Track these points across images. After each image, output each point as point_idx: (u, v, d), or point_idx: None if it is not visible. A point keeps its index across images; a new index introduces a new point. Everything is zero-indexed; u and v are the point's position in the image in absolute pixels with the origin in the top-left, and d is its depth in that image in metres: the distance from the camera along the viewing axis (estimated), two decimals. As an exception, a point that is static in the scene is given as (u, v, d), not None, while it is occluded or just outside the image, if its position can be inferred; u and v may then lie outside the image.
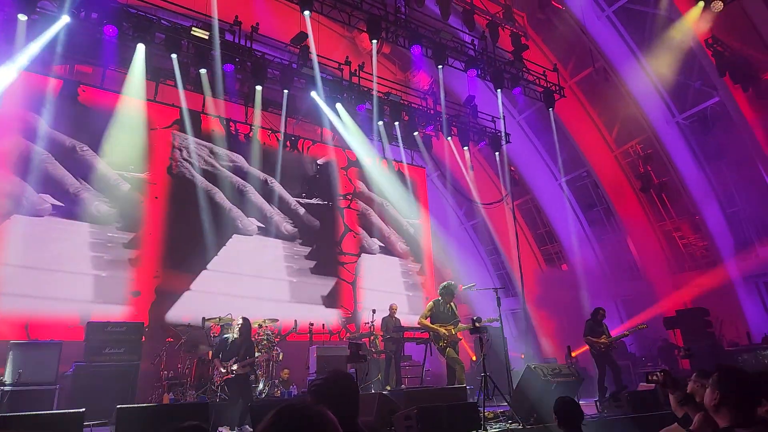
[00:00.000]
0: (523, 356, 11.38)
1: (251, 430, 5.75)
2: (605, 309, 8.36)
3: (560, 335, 12.84)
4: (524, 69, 10.85)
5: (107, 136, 9.19)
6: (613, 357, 7.96)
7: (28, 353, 6.60)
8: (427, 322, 7.03)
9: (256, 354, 7.07)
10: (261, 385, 7.66)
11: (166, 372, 7.60)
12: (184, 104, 9.87)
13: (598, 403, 6.90)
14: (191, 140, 10.26)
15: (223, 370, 6.34)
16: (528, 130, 13.75)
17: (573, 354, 9.70)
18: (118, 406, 4.82)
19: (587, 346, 8.27)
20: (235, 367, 6.29)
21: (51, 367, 6.64)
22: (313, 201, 11.66)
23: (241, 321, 6.60)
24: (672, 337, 10.99)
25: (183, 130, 10.18)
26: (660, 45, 10.62)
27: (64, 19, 7.58)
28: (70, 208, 8.70)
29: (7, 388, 6.28)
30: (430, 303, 7.29)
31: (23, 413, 5.19)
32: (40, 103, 8.72)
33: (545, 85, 11.22)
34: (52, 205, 8.56)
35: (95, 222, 8.87)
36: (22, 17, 7.35)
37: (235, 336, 6.64)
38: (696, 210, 11.78)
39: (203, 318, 8.67)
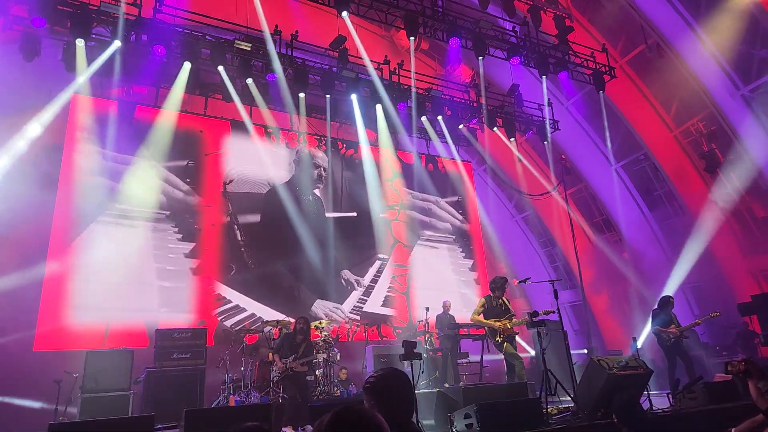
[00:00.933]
0: (587, 351, 10.89)
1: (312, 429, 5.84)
2: (673, 297, 7.92)
3: (624, 326, 12.20)
4: (570, 52, 10.39)
5: (162, 152, 9.68)
6: (684, 348, 7.53)
7: (103, 361, 6.98)
8: (480, 317, 6.90)
9: (315, 354, 7.19)
10: (321, 386, 7.79)
11: (230, 375, 7.89)
12: (243, 113, 10.19)
13: (670, 396, 6.50)
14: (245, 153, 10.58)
15: (281, 365, 6.47)
16: (577, 115, 13.13)
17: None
18: (186, 409, 5.02)
19: (654, 336, 7.81)
20: (294, 363, 6.41)
21: (125, 374, 6.99)
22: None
23: (302, 322, 6.73)
24: (750, 324, 10.16)
25: (235, 144, 10.54)
26: (718, 13, 9.83)
27: (116, 44, 8.00)
28: (134, 221, 9.19)
29: (85, 395, 6.65)
30: (482, 299, 7.18)
31: (97, 419, 5.54)
32: (103, 123, 9.26)
33: (594, 66, 10.69)
34: (118, 218, 9.09)
35: (157, 232, 9.33)
36: (80, 42, 7.84)
37: (296, 334, 6.75)
38: (771, 187, 10.81)
39: (263, 321, 8.95)
